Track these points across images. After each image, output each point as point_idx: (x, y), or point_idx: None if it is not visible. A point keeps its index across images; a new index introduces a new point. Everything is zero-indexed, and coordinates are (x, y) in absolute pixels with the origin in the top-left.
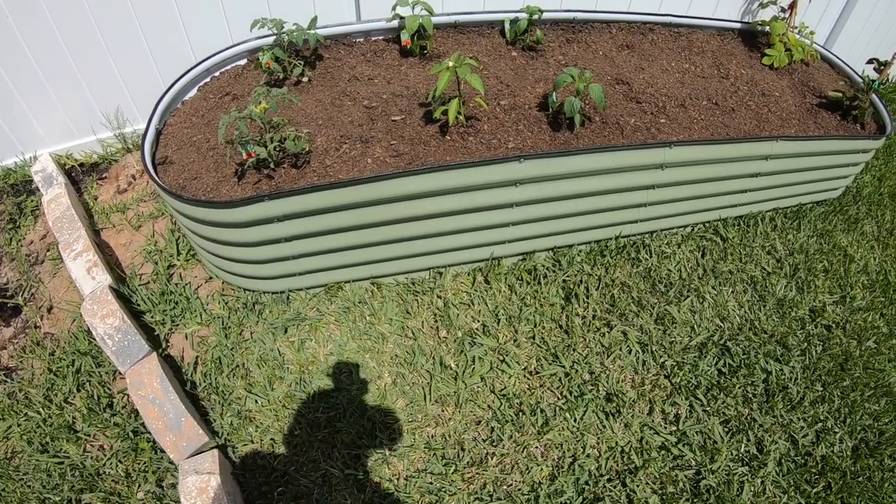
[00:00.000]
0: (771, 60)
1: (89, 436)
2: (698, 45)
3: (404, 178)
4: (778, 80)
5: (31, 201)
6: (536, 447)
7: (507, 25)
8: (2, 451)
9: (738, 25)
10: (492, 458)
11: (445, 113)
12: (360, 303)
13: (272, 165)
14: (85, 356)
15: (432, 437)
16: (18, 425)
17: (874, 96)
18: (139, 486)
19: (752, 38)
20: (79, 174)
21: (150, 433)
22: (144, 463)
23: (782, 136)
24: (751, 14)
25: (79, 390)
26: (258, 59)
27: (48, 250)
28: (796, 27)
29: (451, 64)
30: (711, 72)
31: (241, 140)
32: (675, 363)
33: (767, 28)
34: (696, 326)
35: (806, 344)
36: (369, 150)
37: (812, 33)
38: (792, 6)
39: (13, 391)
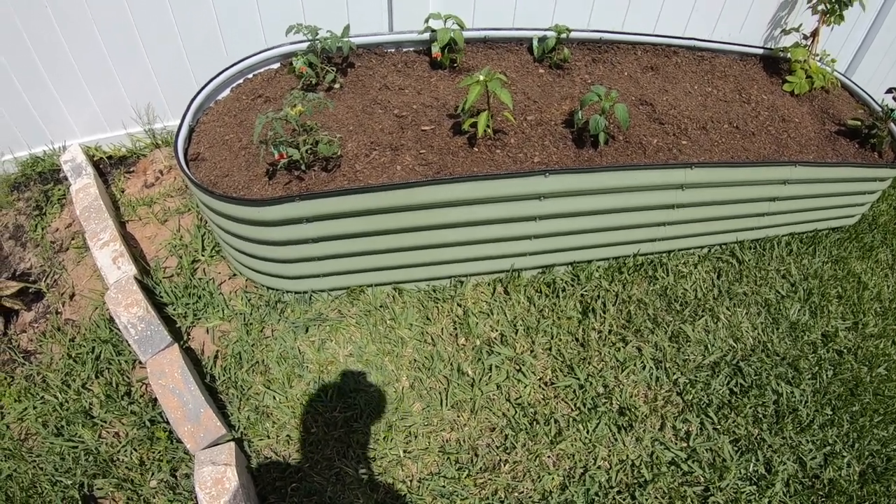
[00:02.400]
0: (792, 87)
1: (105, 422)
2: (721, 70)
3: (434, 186)
4: (798, 106)
5: (58, 190)
6: (549, 456)
7: (535, 43)
8: (16, 432)
9: (760, 51)
10: (504, 465)
11: (474, 125)
12: (381, 307)
13: (303, 167)
14: (106, 344)
15: (447, 441)
16: (34, 408)
17: (892, 125)
18: (153, 474)
19: (774, 63)
20: (106, 166)
21: (167, 423)
22: (159, 452)
23: (800, 162)
24: (773, 40)
25: (97, 377)
26: (291, 63)
27: (73, 239)
28: (817, 55)
29: (481, 78)
30: (733, 96)
31: (276, 141)
32: (687, 381)
33: (789, 55)
34: (709, 346)
35: (817, 368)
36: (399, 157)
37: (833, 61)
38: (814, 34)
39: (31, 374)
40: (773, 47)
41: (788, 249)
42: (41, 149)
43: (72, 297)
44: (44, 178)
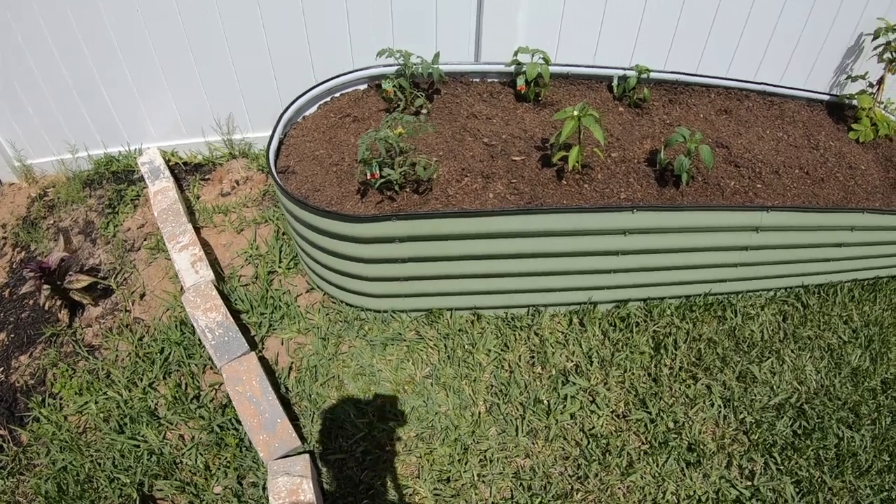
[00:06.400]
0: (857, 135)
1: (171, 424)
2: (790, 115)
3: (531, 215)
4: (863, 153)
5: (132, 190)
6: (619, 488)
7: (615, 81)
8: (74, 424)
9: (826, 97)
10: (577, 494)
11: (563, 158)
12: (460, 331)
13: (396, 188)
14: (177, 346)
15: (521, 467)
16: (96, 402)
17: None
18: (217, 480)
19: (839, 110)
20: (180, 172)
21: (236, 429)
22: (227, 459)
23: (869, 209)
24: (839, 86)
25: (165, 378)
26: (379, 85)
27: (145, 240)
28: (882, 102)
29: (575, 113)
30: (802, 142)
31: (374, 160)
32: (754, 420)
33: (854, 101)
34: (775, 387)
35: (876, 414)
36: (491, 185)
37: None
38: (880, 82)
39: (95, 368)
40: (838, 94)
41: (851, 296)
42: (116, 149)
43: (142, 296)
44: (117, 177)
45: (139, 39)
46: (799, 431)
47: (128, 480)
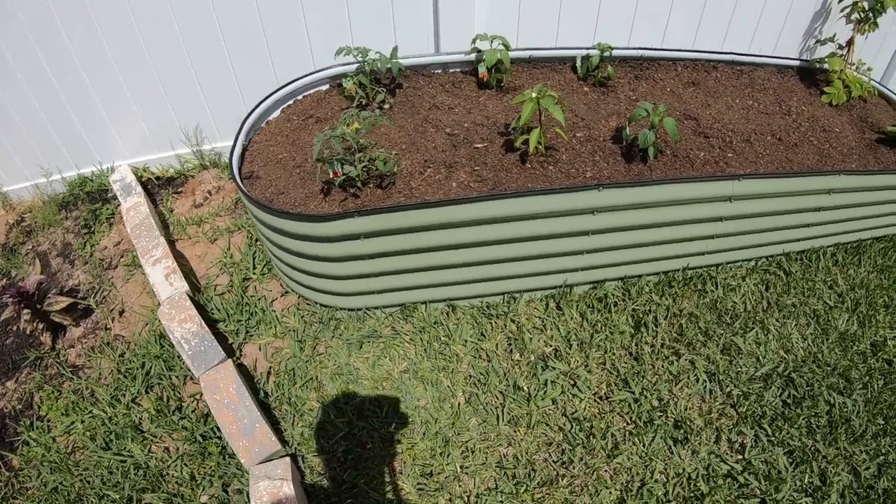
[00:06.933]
0: (830, 98)
1: (155, 437)
2: (760, 83)
3: (492, 201)
4: (837, 116)
5: (107, 209)
6: (606, 470)
7: (578, 62)
8: (62, 445)
9: (796, 63)
10: (562, 479)
11: (526, 142)
12: (435, 323)
13: (359, 185)
14: (157, 359)
15: (504, 456)
16: (82, 421)
17: None
18: (203, 489)
19: (811, 75)
20: (154, 187)
21: (219, 438)
22: (211, 467)
23: (845, 170)
24: (809, 51)
25: (147, 392)
26: (341, 84)
27: (121, 256)
28: (853, 64)
29: (533, 95)
30: (774, 108)
31: (333, 158)
32: (741, 393)
33: (825, 65)
34: (761, 357)
35: (868, 377)
36: (453, 174)
37: (869, 70)
38: (849, 43)
39: (79, 388)
40: (809, 59)
41: (834, 260)
42: (89, 169)
43: (121, 313)
44: (92, 197)
45: (102, 59)
46: (788, 401)
47: (117, 496)
